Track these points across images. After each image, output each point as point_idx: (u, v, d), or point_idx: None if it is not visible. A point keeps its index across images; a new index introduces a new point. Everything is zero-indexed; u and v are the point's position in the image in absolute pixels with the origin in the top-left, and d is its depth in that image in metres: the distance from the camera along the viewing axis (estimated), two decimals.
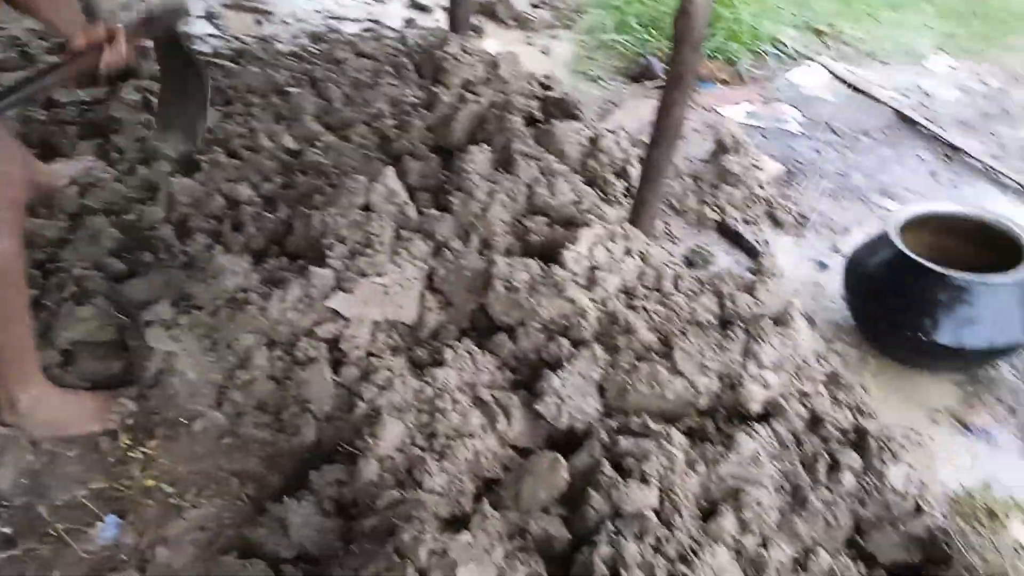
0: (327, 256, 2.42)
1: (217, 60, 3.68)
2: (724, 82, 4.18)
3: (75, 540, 1.88)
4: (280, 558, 1.83)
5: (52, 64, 2.07)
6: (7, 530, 1.90)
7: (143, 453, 2.06)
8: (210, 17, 4.46)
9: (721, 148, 3.31)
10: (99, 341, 2.29)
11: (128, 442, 2.08)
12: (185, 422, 2.13)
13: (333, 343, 2.30)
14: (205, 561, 1.86)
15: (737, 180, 3.24)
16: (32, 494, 1.96)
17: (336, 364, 2.26)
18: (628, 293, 2.48)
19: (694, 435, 2.02)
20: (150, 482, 2.00)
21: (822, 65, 4.59)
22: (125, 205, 2.78)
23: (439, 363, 2.23)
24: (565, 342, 2.27)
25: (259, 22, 4.48)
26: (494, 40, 4.40)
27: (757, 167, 3.34)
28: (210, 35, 4.24)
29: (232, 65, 3.66)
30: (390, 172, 2.77)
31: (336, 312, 2.31)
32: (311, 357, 2.24)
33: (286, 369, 2.23)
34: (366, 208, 2.64)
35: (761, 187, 3.27)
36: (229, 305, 2.28)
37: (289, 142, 3.19)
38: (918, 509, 1.85)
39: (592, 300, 2.39)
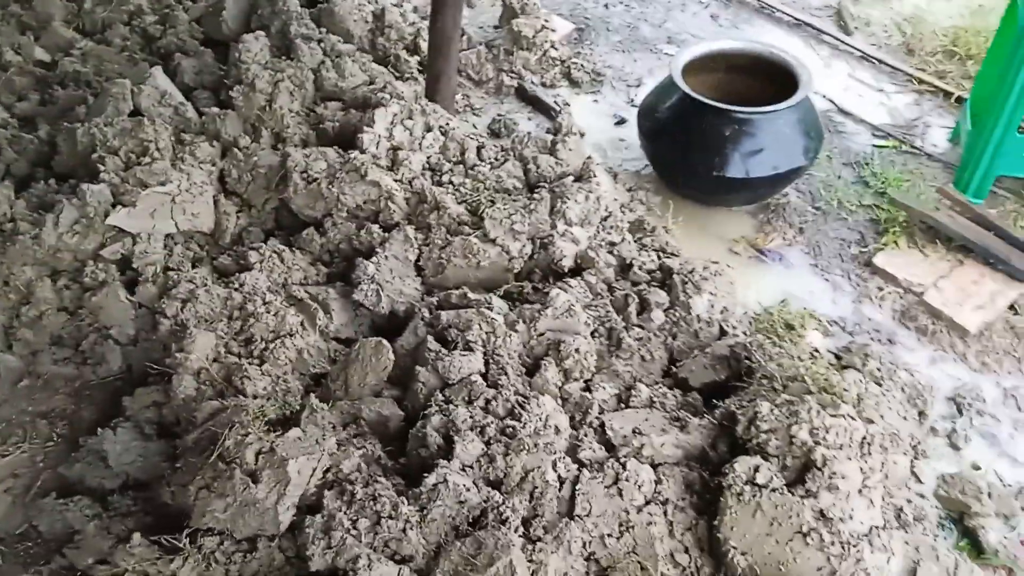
0: (100, 171, 2.22)
1: None
2: None
3: None
4: (105, 489, 1.75)
5: None
6: None
7: None
8: None
9: (510, 12, 3.25)
10: None
11: None
12: None
13: (124, 263, 2.14)
14: (24, 507, 1.76)
15: (530, 43, 3.21)
16: None
17: (131, 284, 2.11)
18: (433, 170, 2.44)
19: (513, 298, 2.06)
20: None
21: None
22: None
23: (246, 268, 2.13)
24: (376, 228, 2.22)
25: None
26: None
27: (548, 28, 3.32)
28: None
29: None
30: (158, 72, 2.55)
31: (121, 229, 2.15)
32: (101, 281, 2.08)
33: (76, 298, 2.07)
34: (136, 114, 2.42)
35: (554, 48, 3.26)
36: None
37: (40, 53, 2.85)
38: (722, 332, 1.99)
39: (397, 181, 2.33)
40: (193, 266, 2.17)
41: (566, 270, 2.10)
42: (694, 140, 2.46)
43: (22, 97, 2.67)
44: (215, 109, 2.52)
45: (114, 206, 2.15)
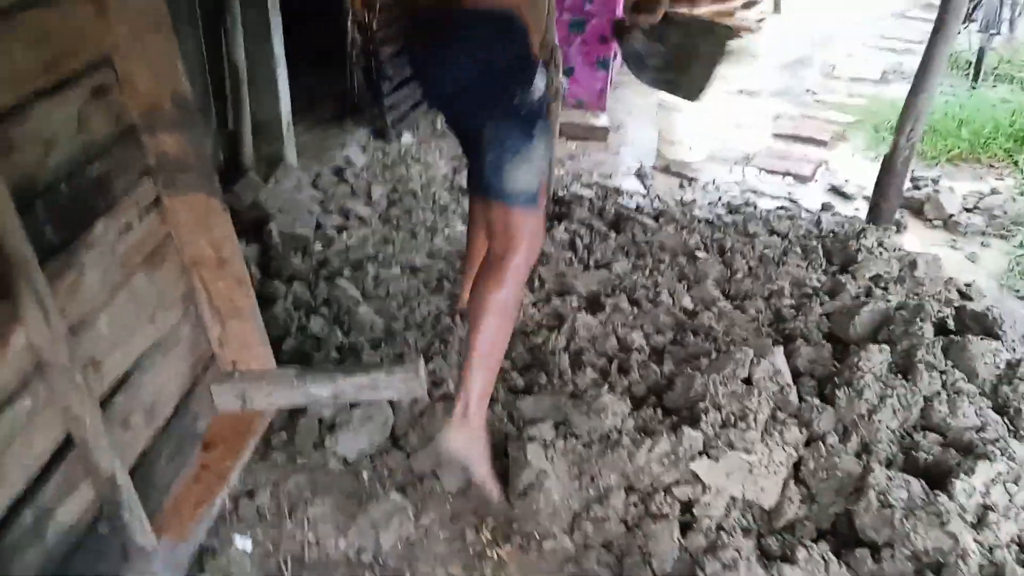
0: (701, 419, 2.49)
1: (638, 216, 4.03)
2: None
3: None
4: None
5: None
6: None
7: (497, 555, 2.26)
8: (640, 176, 4.91)
9: None
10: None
11: (488, 540, 2.30)
12: (538, 538, 2.30)
13: (687, 506, 2.34)
14: None
15: None
16: (403, 562, 2.25)
17: (685, 527, 2.29)
18: (1021, 546, 2.18)
19: None
20: None
21: None
22: (536, 329, 3.14)
23: (789, 560, 2.15)
24: None
25: (682, 187, 4.82)
26: (915, 238, 4.23)
27: None
28: (636, 192, 4.66)
29: (651, 223, 3.97)
30: (779, 351, 2.79)
31: (697, 476, 2.36)
32: (663, 513, 2.30)
33: (638, 517, 2.31)
34: (747, 381, 2.68)
35: None
36: (602, 442, 2.45)
37: (687, 302, 3.36)
38: None
39: (977, 543, 2.14)
40: (743, 534, 2.27)
41: None
42: None
43: (660, 332, 3.16)
44: (816, 400, 2.66)
45: (700, 454, 2.38)
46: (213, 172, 2.33)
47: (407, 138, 5.27)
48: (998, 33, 6.90)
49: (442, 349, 3.03)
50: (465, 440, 2.35)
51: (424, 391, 2.66)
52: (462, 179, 4.67)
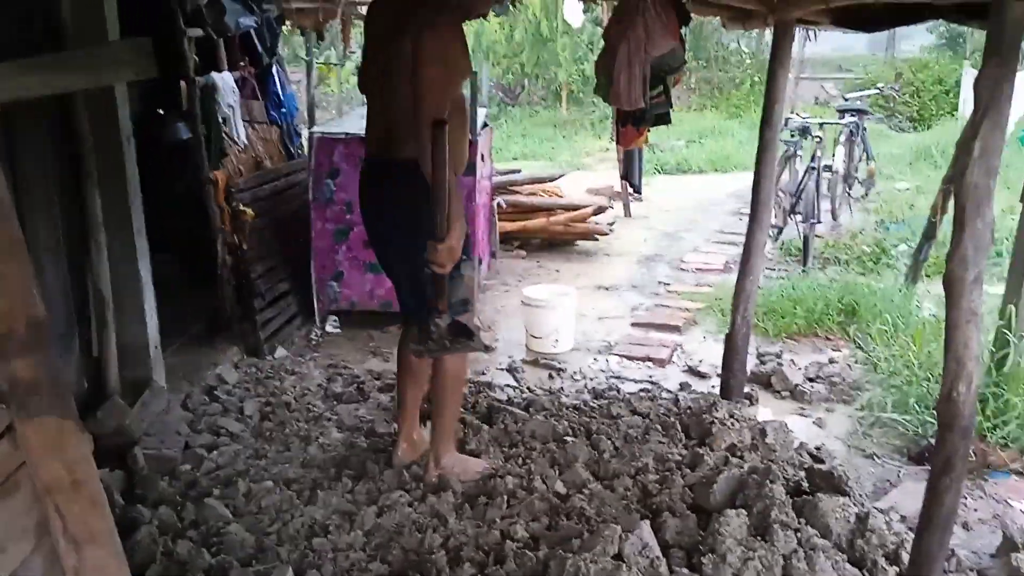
0: None
1: (510, 408, 4.17)
2: (1020, 473, 3.87)
3: None
4: None
5: None
6: None
7: None
8: (511, 370, 5.11)
9: (1009, 545, 3.03)
10: None
11: None
12: None
13: None
14: None
15: None
16: None
17: None
18: None
19: None
20: None
21: None
22: (411, 530, 3.12)
23: None
24: None
25: (551, 377, 5.04)
26: (766, 409, 4.53)
27: None
28: (508, 385, 4.84)
29: (522, 413, 4.11)
30: (646, 526, 2.89)
31: None
32: None
33: None
34: (618, 557, 2.74)
35: None
36: None
37: (559, 487, 3.44)
38: None
39: None
40: None
41: None
42: None
43: (536, 519, 3.21)
44: (685, 570, 2.74)
45: None
46: (68, 394, 2.33)
47: (281, 352, 5.33)
48: (819, 222, 7.78)
49: (316, 561, 2.97)
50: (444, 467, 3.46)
51: None
52: (335, 387, 4.73)
